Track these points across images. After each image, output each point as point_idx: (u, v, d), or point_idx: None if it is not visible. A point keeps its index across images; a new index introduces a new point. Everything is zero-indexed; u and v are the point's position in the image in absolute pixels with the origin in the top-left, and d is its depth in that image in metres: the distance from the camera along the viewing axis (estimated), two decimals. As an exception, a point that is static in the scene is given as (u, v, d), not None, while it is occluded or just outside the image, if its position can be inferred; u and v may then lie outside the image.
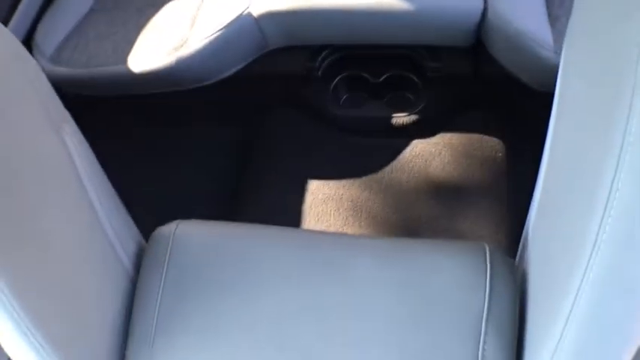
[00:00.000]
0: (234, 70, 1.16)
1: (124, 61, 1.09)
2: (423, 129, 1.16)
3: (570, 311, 0.49)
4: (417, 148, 1.14)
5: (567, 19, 0.61)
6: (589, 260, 0.46)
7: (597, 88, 0.48)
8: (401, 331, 0.66)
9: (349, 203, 1.09)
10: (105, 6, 1.21)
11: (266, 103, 1.24)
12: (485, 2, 1.02)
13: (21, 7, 1.13)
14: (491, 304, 0.65)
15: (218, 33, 1.06)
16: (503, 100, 1.20)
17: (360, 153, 1.16)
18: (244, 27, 1.08)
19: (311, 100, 1.22)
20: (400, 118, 1.17)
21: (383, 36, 1.12)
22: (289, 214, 1.09)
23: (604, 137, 0.43)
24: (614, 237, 0.44)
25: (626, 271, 0.45)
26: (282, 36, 1.13)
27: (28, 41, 1.16)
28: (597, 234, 0.44)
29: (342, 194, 1.11)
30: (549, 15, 1.02)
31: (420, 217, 1.07)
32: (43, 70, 0.69)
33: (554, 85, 0.66)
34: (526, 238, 0.69)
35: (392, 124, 1.17)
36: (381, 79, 1.20)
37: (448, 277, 0.67)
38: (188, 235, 0.74)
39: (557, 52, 0.96)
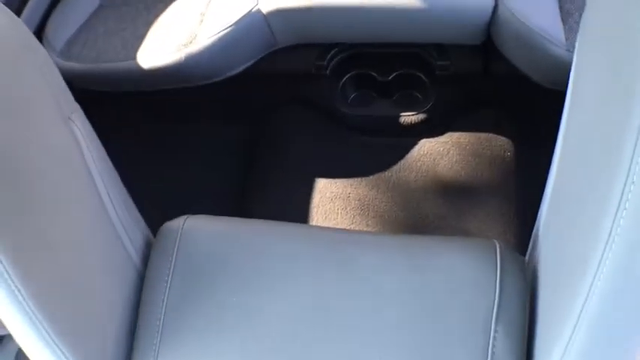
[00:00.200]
0: (242, 67, 1.16)
1: (133, 57, 1.09)
2: (432, 128, 1.16)
3: (582, 310, 0.48)
4: (426, 147, 1.14)
5: (580, 14, 0.61)
6: (601, 258, 0.45)
7: (611, 84, 0.47)
8: (411, 329, 0.65)
9: (357, 202, 1.09)
10: (114, 2, 1.21)
11: (274, 100, 1.24)
12: (496, -1, 1.02)
13: (31, 2, 1.14)
14: (502, 301, 0.64)
15: (227, 30, 1.06)
16: (512, 99, 1.19)
17: (368, 151, 1.15)
18: (253, 24, 1.08)
19: (319, 99, 1.22)
20: (408, 117, 1.17)
21: (392, 34, 1.12)
22: (296, 213, 1.09)
23: (617, 135, 0.43)
24: (628, 235, 0.43)
25: (639, 269, 0.45)
26: (291, 33, 1.13)
27: (38, 36, 1.16)
28: (610, 232, 0.44)
29: (350, 193, 1.10)
30: (561, 10, 1.00)
31: (428, 216, 1.06)
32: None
33: (566, 83, 0.65)
34: (537, 236, 0.68)
35: (400, 123, 1.17)
36: (390, 78, 1.19)
37: (459, 275, 0.67)
38: (196, 229, 0.74)
39: (570, 49, 0.95)
